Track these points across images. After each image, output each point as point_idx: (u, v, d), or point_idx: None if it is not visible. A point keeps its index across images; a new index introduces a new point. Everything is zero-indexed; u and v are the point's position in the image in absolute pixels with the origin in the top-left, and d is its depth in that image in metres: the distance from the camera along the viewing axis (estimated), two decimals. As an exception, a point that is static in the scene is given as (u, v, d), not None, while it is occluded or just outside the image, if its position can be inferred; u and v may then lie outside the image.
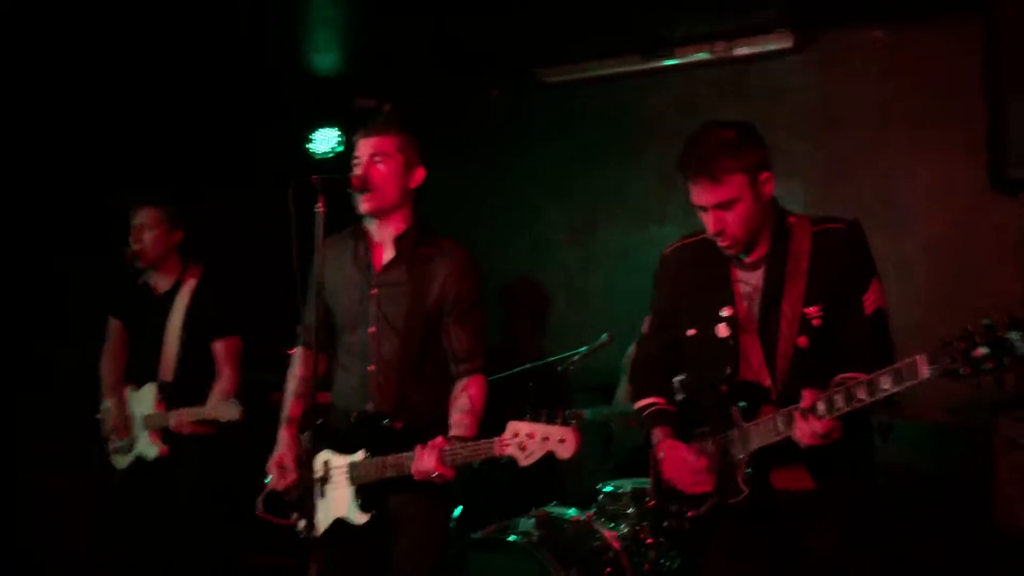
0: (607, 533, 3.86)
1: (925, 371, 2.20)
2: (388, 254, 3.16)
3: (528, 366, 4.63)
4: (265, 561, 4.77)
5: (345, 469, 3.03)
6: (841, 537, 2.65)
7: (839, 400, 2.40)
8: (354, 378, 3.14)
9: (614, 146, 5.38)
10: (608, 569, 3.78)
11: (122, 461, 4.10)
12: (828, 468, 2.61)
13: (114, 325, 4.27)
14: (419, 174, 3.16)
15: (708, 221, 2.65)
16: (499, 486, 4.34)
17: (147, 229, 4.06)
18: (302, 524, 2.88)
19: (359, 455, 3.00)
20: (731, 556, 2.76)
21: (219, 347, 4.11)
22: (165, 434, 3.99)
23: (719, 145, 2.59)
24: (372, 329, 3.11)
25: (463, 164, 5.77)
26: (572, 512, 4.00)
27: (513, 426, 2.68)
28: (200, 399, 3.98)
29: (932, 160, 4.33)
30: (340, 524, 3.02)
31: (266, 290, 4.13)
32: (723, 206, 2.60)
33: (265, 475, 3.16)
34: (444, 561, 3.20)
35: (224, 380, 4.06)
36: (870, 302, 2.61)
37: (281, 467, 3.13)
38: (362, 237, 3.20)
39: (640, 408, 2.96)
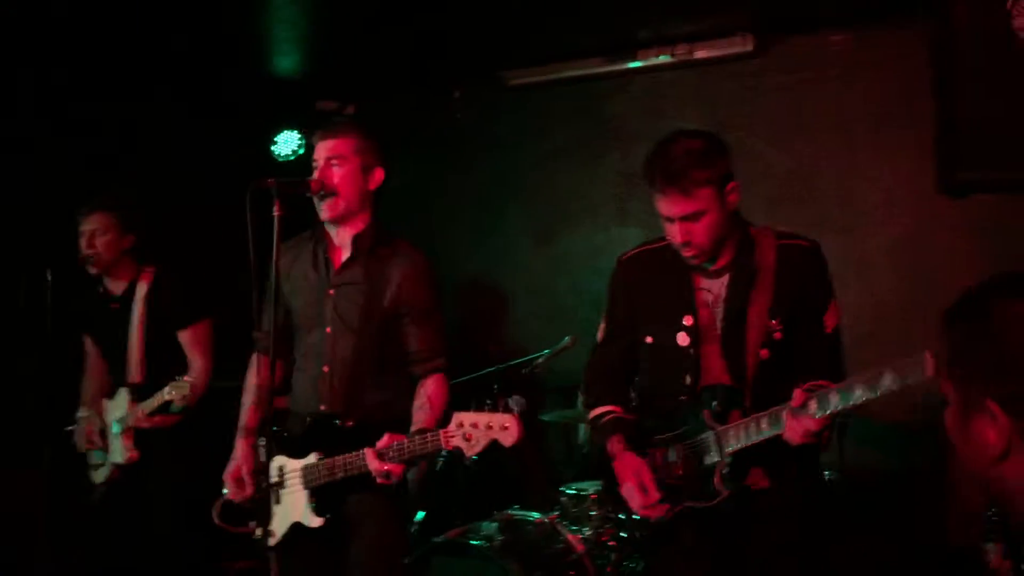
0: (570, 536, 3.85)
1: (931, 368, 2.19)
2: (346, 254, 3.14)
3: (492, 369, 4.63)
4: (241, 565, 4.72)
5: (299, 473, 3.00)
6: (792, 533, 2.67)
7: (834, 399, 2.40)
8: (309, 380, 3.12)
9: (578, 148, 5.39)
10: (572, 572, 3.77)
11: (99, 475, 4.05)
12: (781, 467, 2.63)
13: (88, 344, 4.23)
14: (378, 175, 3.14)
15: (674, 232, 2.64)
16: (462, 490, 4.33)
17: (99, 234, 4.02)
18: (259, 532, 2.86)
19: (312, 458, 2.98)
20: (686, 558, 2.77)
21: (186, 336, 4.08)
22: (138, 439, 3.94)
23: (687, 156, 2.57)
24: (328, 329, 3.09)
25: (427, 167, 5.77)
26: (535, 515, 3.99)
27: (457, 417, 2.68)
28: None
29: (891, 163, 4.36)
30: (297, 529, 2.99)
31: (226, 294, 4.09)
32: (691, 218, 2.59)
33: (222, 486, 3.14)
34: (403, 563, 3.19)
35: (195, 370, 4.02)
36: (830, 321, 2.64)
37: (237, 479, 3.10)
38: (321, 239, 3.18)
39: (596, 416, 2.95)
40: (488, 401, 2.68)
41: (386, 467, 2.80)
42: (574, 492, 4.07)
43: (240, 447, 3.16)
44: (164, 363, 3.99)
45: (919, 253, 4.30)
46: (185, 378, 3.82)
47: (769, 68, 4.75)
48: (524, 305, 5.60)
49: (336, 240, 3.16)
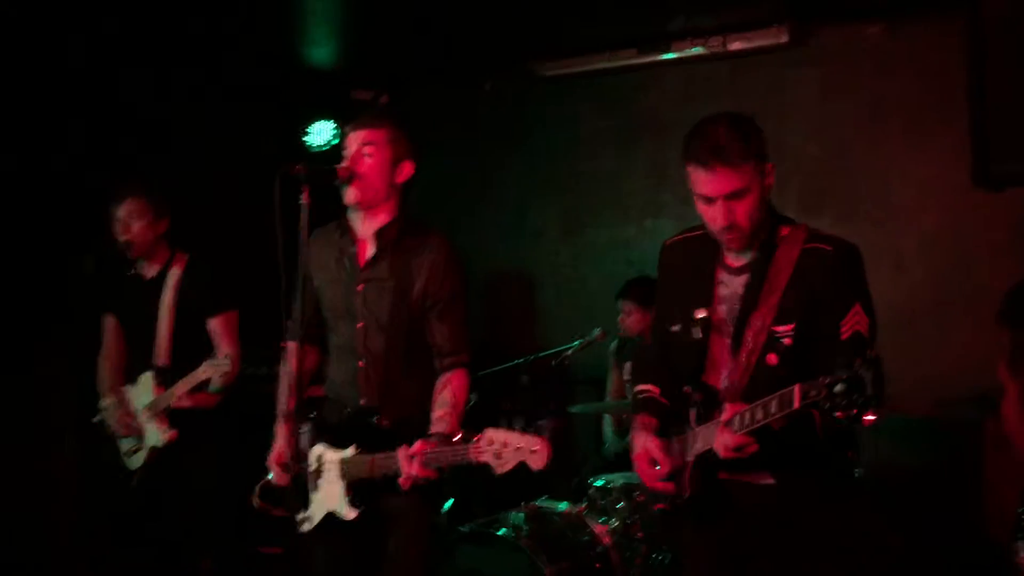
0: (597, 527, 3.86)
1: (797, 402, 2.23)
2: (372, 249, 3.14)
3: (521, 360, 4.64)
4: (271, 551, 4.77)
5: (337, 464, 3.04)
6: (804, 532, 2.64)
7: (747, 417, 2.40)
8: (346, 373, 3.13)
9: (609, 140, 5.38)
10: (598, 564, 3.78)
11: (135, 461, 4.10)
12: (787, 464, 2.60)
13: (108, 323, 4.27)
14: (407, 168, 3.14)
15: (717, 213, 2.55)
16: (490, 479, 4.33)
17: (134, 219, 4.07)
18: (299, 516, 2.91)
19: (350, 451, 3.01)
20: (691, 554, 2.77)
21: (215, 324, 4.11)
22: (172, 419, 4.00)
23: (732, 131, 2.50)
24: (360, 324, 3.11)
25: (459, 157, 5.78)
26: (563, 506, 4.00)
27: (489, 434, 2.70)
28: None
29: (925, 156, 4.32)
30: (331, 518, 3.03)
31: (256, 281, 4.13)
32: (735, 195, 2.52)
33: (266, 471, 3.18)
34: (432, 559, 3.21)
35: (227, 354, 4.06)
36: (848, 327, 2.57)
37: (281, 464, 3.14)
38: (346, 231, 3.19)
39: (636, 393, 2.96)
40: (519, 423, 2.76)
41: (417, 471, 2.83)
42: (601, 484, 4.07)
43: (281, 431, 3.19)
44: (191, 349, 3.99)
45: (952, 246, 4.25)
46: (222, 356, 3.87)
47: (803, 60, 4.71)
48: (553, 297, 5.61)
49: (360, 233, 3.17)
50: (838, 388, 2.14)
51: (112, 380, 4.19)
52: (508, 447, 2.65)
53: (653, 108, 5.23)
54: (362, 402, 3.08)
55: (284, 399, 3.23)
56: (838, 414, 2.16)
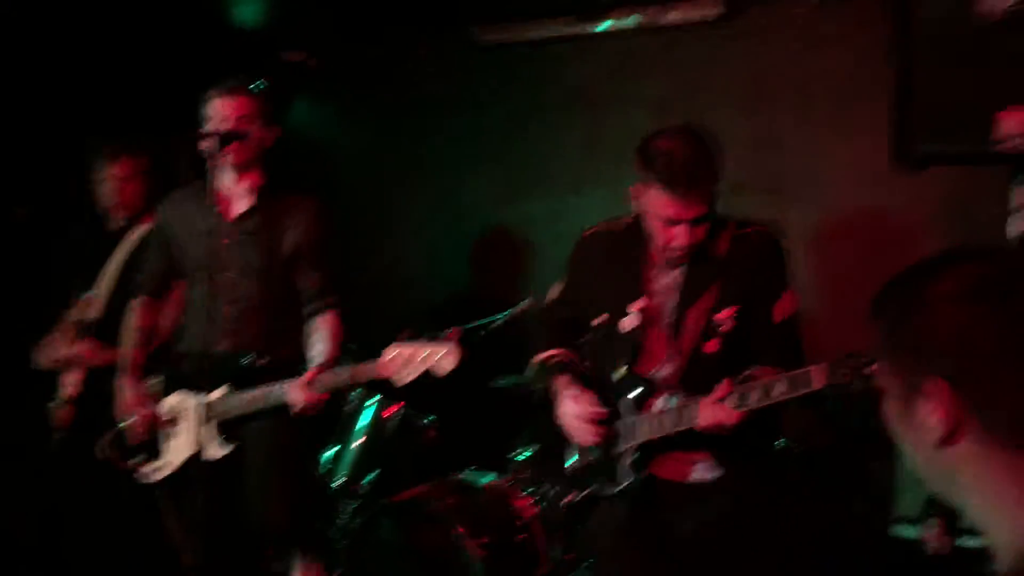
0: (521, 501, 3.85)
1: (820, 381, 2.28)
2: (242, 204, 3.34)
3: (449, 330, 4.59)
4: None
5: (200, 408, 3.10)
6: (737, 518, 2.66)
7: (754, 396, 2.40)
8: (207, 321, 3.27)
9: (544, 111, 5.32)
10: (522, 536, 3.77)
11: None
12: (725, 453, 2.62)
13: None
14: (273, 133, 3.38)
15: (679, 235, 2.54)
16: (416, 450, 4.31)
17: (128, 181, 3.97)
18: (149, 466, 3.18)
19: (219, 392, 3.08)
20: (618, 544, 2.77)
21: None
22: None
23: (700, 154, 2.51)
24: (229, 273, 3.26)
25: (392, 124, 5.69)
26: (488, 479, 3.99)
27: (391, 348, 2.72)
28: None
29: (851, 135, 4.36)
30: (191, 463, 3.09)
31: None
32: (700, 219, 2.54)
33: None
34: (302, 467, 3.52)
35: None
36: (779, 311, 2.60)
37: (134, 405, 3.19)
38: (209, 190, 3.32)
39: (543, 359, 2.93)
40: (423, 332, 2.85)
41: (311, 397, 2.96)
42: (527, 456, 4.05)
43: (128, 383, 3.34)
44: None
45: (875, 225, 4.30)
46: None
47: (737, 34, 4.70)
48: (483, 268, 5.56)
49: (226, 189, 3.35)
50: (868, 369, 2.18)
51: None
52: (414, 359, 2.66)
53: (588, 79, 5.18)
54: (225, 346, 3.24)
55: (129, 351, 3.40)
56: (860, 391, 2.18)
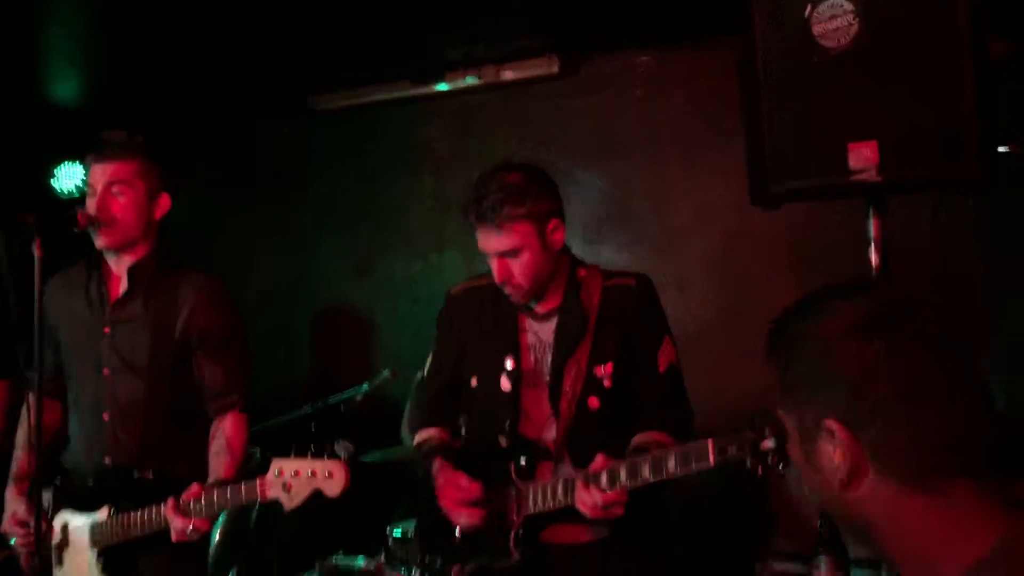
0: (399, 581, 3.65)
1: (711, 457, 2.17)
2: (124, 286, 2.84)
3: (309, 408, 4.38)
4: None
5: (86, 530, 2.70)
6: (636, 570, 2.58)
7: (623, 475, 2.31)
8: (88, 429, 2.81)
9: (391, 173, 5.23)
10: (402, 618, 3.57)
11: None
12: (613, 520, 2.52)
13: None
14: (164, 202, 2.88)
15: (493, 268, 2.54)
16: (279, 540, 4.05)
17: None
18: None
19: (102, 513, 2.68)
20: None
21: None
22: None
23: (502, 191, 2.47)
24: (106, 371, 2.79)
25: (237, 199, 5.48)
26: (360, 561, 3.78)
27: (276, 463, 2.45)
28: None
29: (700, 179, 4.43)
30: None
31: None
32: (507, 254, 2.50)
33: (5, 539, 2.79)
34: None
35: None
36: (663, 360, 2.56)
37: (20, 523, 2.77)
38: (96, 268, 2.87)
39: (420, 443, 2.81)
40: (311, 446, 2.47)
41: (192, 522, 2.54)
42: (399, 534, 3.87)
43: (12, 494, 2.82)
44: None
45: (730, 266, 4.37)
46: None
47: (576, 89, 4.74)
48: (342, 338, 5.37)
49: (115, 270, 2.87)
50: (767, 444, 2.08)
51: None
52: (300, 475, 2.41)
53: (432, 139, 5.12)
54: (107, 461, 2.75)
55: (18, 459, 2.89)
56: (760, 470, 2.09)
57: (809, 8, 2.24)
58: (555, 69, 4.68)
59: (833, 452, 1.17)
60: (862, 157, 2.22)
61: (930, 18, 2.21)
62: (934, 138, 2.19)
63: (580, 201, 4.67)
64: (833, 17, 2.22)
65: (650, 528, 2.60)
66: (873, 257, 2.51)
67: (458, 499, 2.57)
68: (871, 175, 2.22)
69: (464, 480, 2.57)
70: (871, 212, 2.49)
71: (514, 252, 2.49)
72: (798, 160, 2.34)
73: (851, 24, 2.20)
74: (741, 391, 4.29)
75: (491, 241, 2.50)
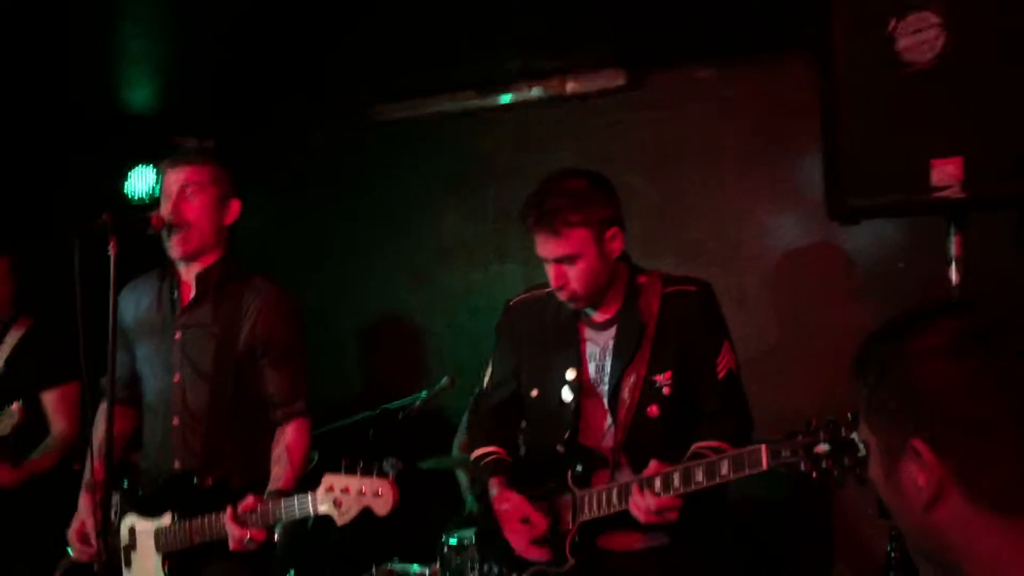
0: (454, 588, 3.67)
1: (765, 462, 2.17)
2: (192, 292, 2.89)
3: (367, 414, 4.42)
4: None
5: (152, 535, 2.73)
6: None
7: (676, 479, 2.31)
8: (158, 433, 2.85)
9: (451, 184, 5.26)
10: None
11: None
12: (669, 527, 2.50)
13: None
14: (234, 208, 2.93)
15: (550, 274, 2.54)
16: (337, 544, 4.08)
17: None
18: None
19: (166, 519, 2.72)
20: None
21: (50, 398, 3.70)
22: None
23: (561, 197, 2.48)
24: (176, 377, 2.83)
25: (298, 206, 5.54)
26: (415, 568, 3.80)
27: (327, 479, 2.47)
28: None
29: (762, 196, 4.40)
30: None
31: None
32: (564, 260, 2.50)
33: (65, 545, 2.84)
34: None
35: (57, 434, 3.65)
36: (722, 366, 2.54)
37: (82, 537, 2.81)
38: (169, 276, 2.92)
39: (478, 457, 2.82)
40: (360, 463, 2.47)
41: (247, 533, 2.57)
42: (455, 542, 3.88)
43: (83, 503, 2.86)
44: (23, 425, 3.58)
45: (794, 283, 4.33)
46: (13, 407, 3.42)
47: (640, 103, 4.73)
48: (400, 347, 5.40)
49: (185, 277, 2.91)
50: (821, 448, 2.07)
51: None
52: (349, 492, 2.43)
53: (493, 152, 5.15)
54: (176, 465, 2.79)
55: (89, 467, 2.90)
56: (814, 475, 2.08)
57: (893, 22, 2.22)
58: (621, 82, 4.68)
59: (917, 473, 1.13)
60: (945, 174, 2.19)
61: (1018, 32, 2.18)
62: (1020, 154, 2.15)
63: (640, 215, 4.66)
64: (918, 31, 2.20)
65: (707, 538, 2.58)
66: (954, 276, 2.47)
67: (520, 530, 2.57)
68: (955, 192, 2.19)
69: (528, 510, 2.56)
70: (952, 230, 2.45)
71: (571, 258, 2.49)
72: (878, 176, 2.31)
73: (937, 37, 2.18)
74: (802, 408, 4.25)
75: (548, 246, 2.50)
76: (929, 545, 1.18)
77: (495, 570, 2.75)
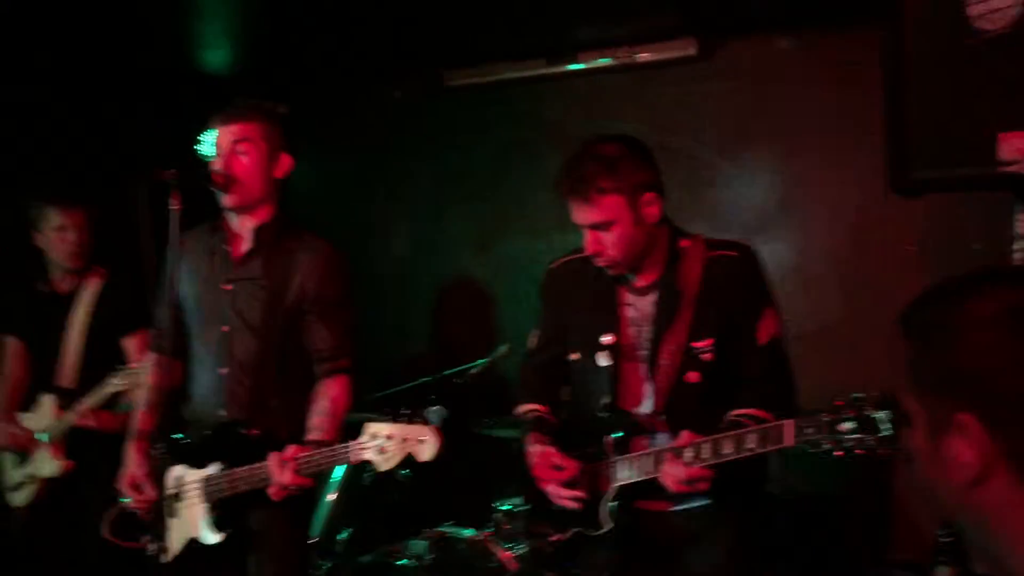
0: (503, 554, 3.69)
1: (791, 438, 2.15)
2: (246, 246, 2.93)
3: (426, 379, 4.45)
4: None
5: (199, 484, 2.80)
6: (727, 555, 2.54)
7: (706, 450, 2.29)
8: (206, 383, 2.90)
9: (518, 152, 5.25)
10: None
11: (21, 497, 3.73)
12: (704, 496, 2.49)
13: (11, 346, 3.91)
14: (284, 162, 2.96)
15: (586, 240, 2.53)
16: (391, 505, 4.14)
17: (72, 231, 3.79)
18: (153, 547, 2.65)
19: (213, 468, 2.78)
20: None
21: (132, 343, 3.81)
22: (70, 448, 3.66)
23: (595, 163, 2.46)
24: (225, 328, 2.88)
25: (364, 167, 5.59)
26: (468, 532, 3.83)
27: (369, 427, 2.50)
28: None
29: (833, 168, 4.30)
30: (194, 545, 2.79)
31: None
32: (598, 227, 2.48)
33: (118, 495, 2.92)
34: None
35: None
36: (764, 332, 2.49)
37: (135, 486, 2.89)
38: (220, 229, 2.98)
39: (521, 413, 2.84)
40: (404, 411, 2.49)
41: (291, 479, 2.62)
42: (508, 508, 3.91)
43: (132, 452, 2.94)
44: (101, 370, 3.66)
45: (861, 260, 4.23)
46: (133, 364, 3.54)
47: (711, 73, 4.65)
48: (461, 312, 5.43)
49: (236, 228, 2.97)
50: (845, 426, 2.05)
51: (7, 405, 3.85)
52: (392, 439, 2.46)
53: (560, 119, 5.11)
54: (223, 414, 2.85)
55: (138, 417, 2.99)
56: (838, 453, 2.07)
57: (967, -12, 2.13)
58: (692, 51, 4.60)
59: (963, 449, 1.08)
60: (1013, 147, 2.10)
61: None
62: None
63: (708, 186, 4.60)
64: (992, -2, 2.10)
65: (744, 506, 2.56)
66: (1018, 254, 2.38)
67: (551, 476, 2.59)
68: (1022, 167, 2.10)
69: (557, 458, 2.59)
70: (1018, 206, 2.36)
71: (605, 225, 2.47)
72: (943, 148, 2.23)
73: (1011, 5, 2.09)
74: (862, 389, 4.18)
75: (581, 213, 2.49)
76: (966, 520, 1.14)
77: (538, 531, 2.77)
